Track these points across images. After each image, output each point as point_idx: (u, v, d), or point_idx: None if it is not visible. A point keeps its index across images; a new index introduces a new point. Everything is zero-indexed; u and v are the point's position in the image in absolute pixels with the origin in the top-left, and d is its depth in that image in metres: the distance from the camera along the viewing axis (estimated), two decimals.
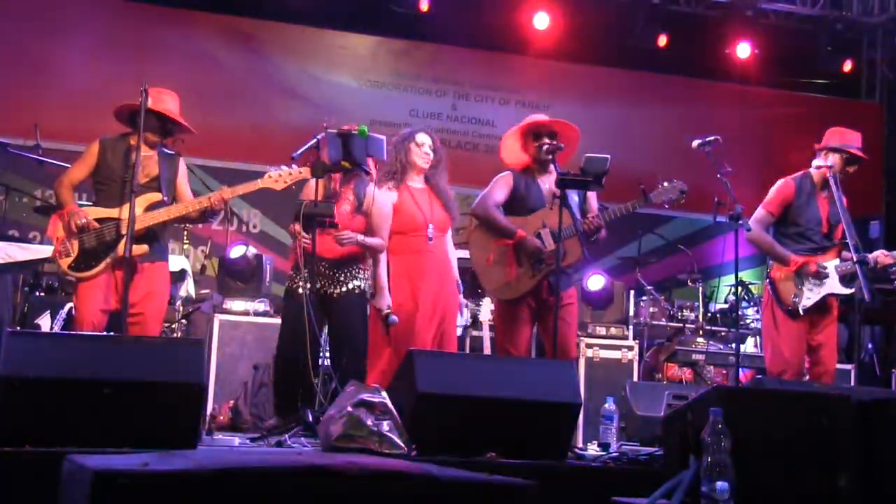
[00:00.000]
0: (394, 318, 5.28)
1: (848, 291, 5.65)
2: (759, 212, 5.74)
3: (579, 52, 10.15)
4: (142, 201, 5.04)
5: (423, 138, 5.58)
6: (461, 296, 5.88)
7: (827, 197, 5.74)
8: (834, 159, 5.68)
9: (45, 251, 6.16)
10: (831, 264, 5.62)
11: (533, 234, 5.35)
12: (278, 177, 5.19)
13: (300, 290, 5.28)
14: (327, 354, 5.71)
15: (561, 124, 5.55)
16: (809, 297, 5.57)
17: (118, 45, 8.92)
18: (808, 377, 5.68)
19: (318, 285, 5.34)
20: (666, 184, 5.35)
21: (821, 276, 5.56)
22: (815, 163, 5.74)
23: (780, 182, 5.80)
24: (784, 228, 5.74)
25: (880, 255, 5.62)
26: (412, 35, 9.94)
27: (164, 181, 5.23)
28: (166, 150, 5.35)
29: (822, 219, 5.71)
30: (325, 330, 5.55)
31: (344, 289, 5.43)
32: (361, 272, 5.52)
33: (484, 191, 5.53)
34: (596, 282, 7.76)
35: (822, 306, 5.63)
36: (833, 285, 5.58)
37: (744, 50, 10.47)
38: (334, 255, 5.39)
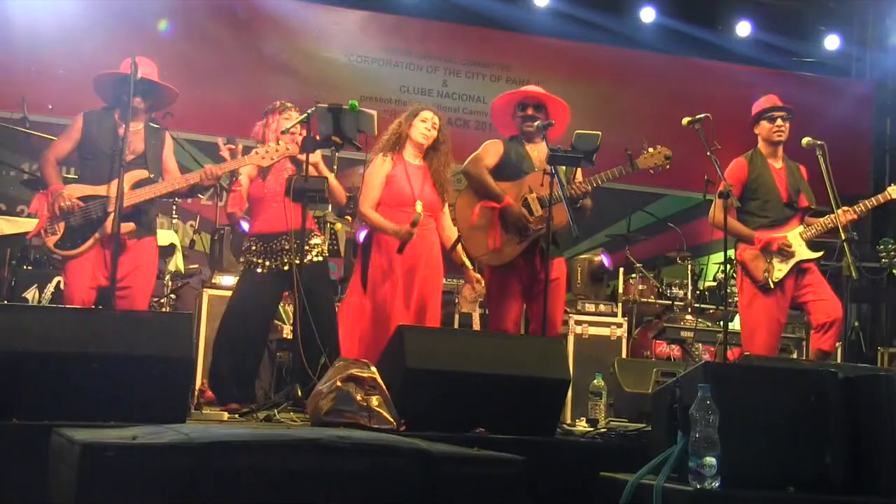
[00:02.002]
0: (418, 213, 5.29)
1: (816, 255, 5.77)
2: (717, 197, 5.79)
3: (570, 28, 10.11)
4: (128, 178, 5.03)
5: (426, 115, 5.54)
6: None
7: (783, 168, 5.87)
8: (761, 128, 5.91)
9: (32, 225, 6.13)
10: (795, 234, 5.73)
11: (520, 200, 5.38)
12: (265, 152, 5.17)
13: (258, 269, 5.30)
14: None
15: (551, 100, 5.58)
16: (780, 268, 5.70)
17: (107, 17, 8.82)
18: (813, 326, 5.78)
19: (280, 260, 5.32)
20: (651, 149, 5.42)
21: (785, 253, 5.69)
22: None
23: (732, 162, 5.90)
24: (744, 205, 5.84)
25: (841, 214, 5.64)
26: (403, 10, 9.87)
27: (150, 158, 5.22)
28: (152, 125, 5.32)
29: (780, 188, 5.82)
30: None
31: (308, 257, 5.32)
32: (319, 239, 5.50)
33: (473, 154, 5.56)
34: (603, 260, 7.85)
35: (797, 271, 5.74)
36: (801, 253, 5.72)
37: (735, 28, 10.48)
38: (295, 226, 5.29)
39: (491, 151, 5.55)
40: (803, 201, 5.86)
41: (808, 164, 5.97)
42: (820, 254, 5.78)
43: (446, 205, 5.65)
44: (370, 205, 5.45)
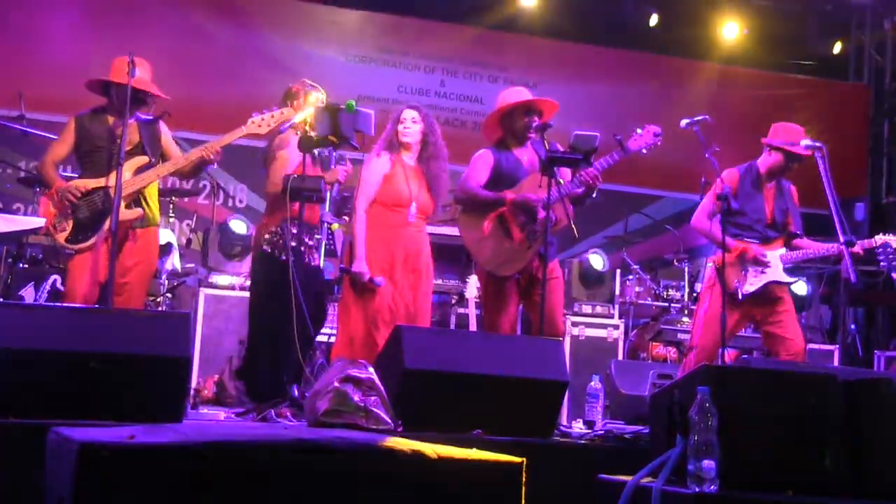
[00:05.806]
0: (379, 279, 5.26)
1: (791, 280, 5.69)
2: (703, 200, 5.76)
3: (568, 29, 10.13)
4: (129, 165, 5.04)
5: (404, 115, 5.54)
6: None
7: (773, 188, 5.77)
8: (777, 157, 5.71)
9: (29, 223, 6.12)
10: (775, 254, 5.63)
11: None
12: (261, 121, 5.12)
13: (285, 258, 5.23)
14: None
15: (545, 103, 5.57)
16: (752, 283, 5.59)
17: (104, 15, 8.82)
18: None
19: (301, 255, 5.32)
20: (640, 130, 5.40)
21: (760, 262, 5.58)
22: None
23: (724, 171, 5.76)
24: (729, 217, 5.60)
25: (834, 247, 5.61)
26: (400, 10, 9.87)
27: (148, 144, 5.22)
28: (143, 117, 5.31)
29: (767, 211, 5.72)
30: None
31: (320, 258, 5.40)
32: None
33: (464, 174, 5.54)
34: (596, 261, 7.76)
35: (769, 297, 5.62)
36: (776, 273, 5.60)
37: (731, 30, 10.48)
38: (316, 223, 5.39)
39: (481, 164, 5.50)
40: (790, 225, 5.77)
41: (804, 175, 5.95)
42: (794, 280, 5.74)
43: (438, 208, 5.67)
44: (364, 205, 5.45)
